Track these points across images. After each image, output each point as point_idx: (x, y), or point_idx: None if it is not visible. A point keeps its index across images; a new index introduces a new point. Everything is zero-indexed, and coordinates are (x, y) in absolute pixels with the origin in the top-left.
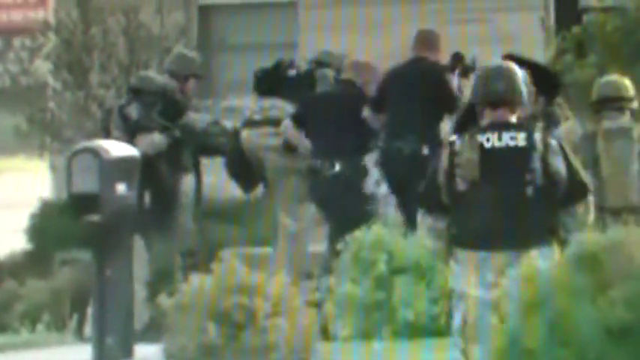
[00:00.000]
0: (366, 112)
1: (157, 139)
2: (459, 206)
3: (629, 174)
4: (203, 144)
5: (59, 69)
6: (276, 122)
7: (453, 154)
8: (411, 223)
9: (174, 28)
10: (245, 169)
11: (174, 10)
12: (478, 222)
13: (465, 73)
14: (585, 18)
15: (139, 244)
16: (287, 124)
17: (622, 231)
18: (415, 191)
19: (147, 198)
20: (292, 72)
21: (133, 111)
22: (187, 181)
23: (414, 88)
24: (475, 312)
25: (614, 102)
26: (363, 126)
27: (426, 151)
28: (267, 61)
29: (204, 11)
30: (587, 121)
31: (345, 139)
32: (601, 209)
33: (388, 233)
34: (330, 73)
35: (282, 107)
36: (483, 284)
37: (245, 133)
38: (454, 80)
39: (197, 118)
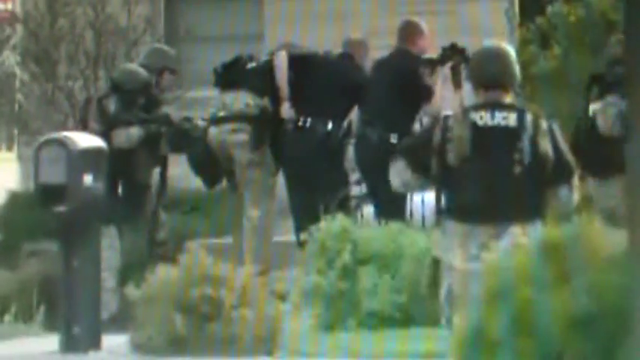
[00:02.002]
0: None
1: (132, 134)
2: (449, 179)
3: None
4: (179, 136)
5: (27, 61)
6: (241, 117)
7: (445, 129)
8: (379, 211)
9: (141, 20)
10: (210, 164)
11: (141, 2)
12: (466, 196)
13: (460, 63)
14: (549, 9)
15: (112, 232)
16: None
17: (585, 221)
18: (381, 178)
19: (120, 188)
20: (252, 64)
21: (111, 104)
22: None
23: (389, 80)
24: (460, 283)
25: None
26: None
27: (393, 139)
28: (233, 53)
29: (171, 3)
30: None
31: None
32: None
33: (353, 223)
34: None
35: (247, 102)
36: (468, 257)
37: (212, 130)
38: (441, 72)
39: (171, 113)
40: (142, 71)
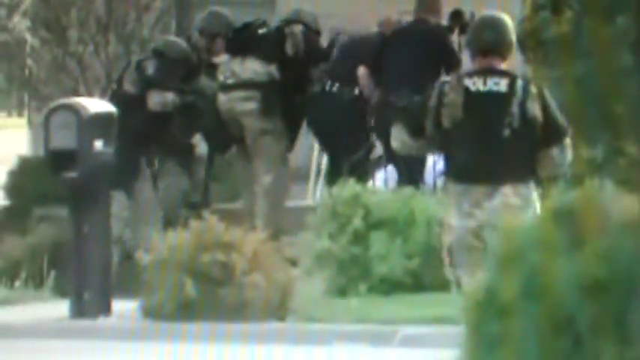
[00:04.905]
0: (361, 71)
1: (167, 97)
2: (444, 142)
3: None
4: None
5: (37, 26)
6: (250, 85)
7: (441, 93)
8: (397, 174)
9: None
10: (220, 131)
11: None
12: (459, 157)
13: (463, 29)
14: None
15: (123, 200)
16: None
17: (598, 187)
18: None
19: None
20: (262, 30)
21: (150, 66)
22: None
23: (416, 47)
24: (454, 238)
25: None
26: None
27: None
28: (246, 18)
29: None
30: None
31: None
32: None
33: (364, 188)
34: (298, 29)
35: (255, 69)
36: (460, 214)
37: (221, 97)
38: (454, 39)
39: (208, 85)
40: (184, 43)
